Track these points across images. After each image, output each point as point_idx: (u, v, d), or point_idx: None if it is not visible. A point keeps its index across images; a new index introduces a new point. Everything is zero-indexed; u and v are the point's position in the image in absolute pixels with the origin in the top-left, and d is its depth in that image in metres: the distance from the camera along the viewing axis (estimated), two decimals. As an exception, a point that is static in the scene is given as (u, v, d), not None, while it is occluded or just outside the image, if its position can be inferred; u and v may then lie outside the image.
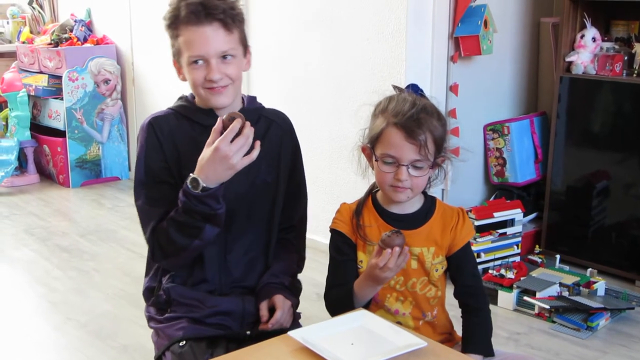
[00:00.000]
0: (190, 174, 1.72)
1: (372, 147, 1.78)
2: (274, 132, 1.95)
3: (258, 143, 1.72)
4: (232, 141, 1.67)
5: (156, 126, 1.87)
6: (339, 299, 1.79)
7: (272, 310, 1.86)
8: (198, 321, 1.86)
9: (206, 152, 1.70)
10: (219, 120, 1.71)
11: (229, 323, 1.87)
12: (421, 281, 1.81)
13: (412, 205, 1.83)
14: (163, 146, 1.86)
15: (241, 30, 1.87)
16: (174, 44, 1.85)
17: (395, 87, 1.84)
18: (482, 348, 1.80)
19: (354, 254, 1.83)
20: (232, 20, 1.82)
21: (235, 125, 1.68)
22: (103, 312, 3.24)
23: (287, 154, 1.97)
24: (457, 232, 1.82)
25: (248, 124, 1.70)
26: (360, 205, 1.85)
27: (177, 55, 1.86)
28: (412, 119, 1.71)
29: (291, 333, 1.54)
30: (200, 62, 1.80)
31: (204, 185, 1.70)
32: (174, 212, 1.77)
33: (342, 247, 1.84)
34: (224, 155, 1.67)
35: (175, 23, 1.82)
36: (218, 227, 1.78)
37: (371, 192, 1.87)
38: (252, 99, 1.99)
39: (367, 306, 1.79)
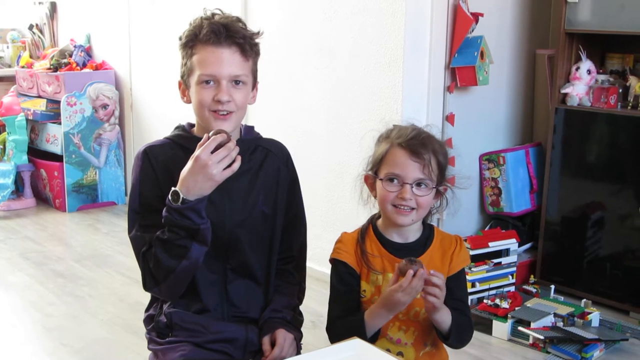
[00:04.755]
0: (172, 188, 1.71)
1: (375, 171, 1.81)
2: (271, 162, 1.94)
3: (239, 157, 1.71)
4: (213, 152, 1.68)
5: (151, 155, 1.86)
6: (349, 330, 1.74)
7: (274, 345, 1.85)
8: (200, 346, 1.85)
9: (188, 163, 1.71)
10: (204, 136, 1.72)
11: (230, 351, 1.87)
12: (424, 309, 1.80)
13: (413, 234, 1.84)
14: (158, 175, 1.84)
15: (255, 62, 1.88)
16: (186, 63, 1.84)
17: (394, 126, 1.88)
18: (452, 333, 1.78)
19: (357, 284, 1.83)
20: (250, 48, 1.83)
21: (218, 137, 1.69)
22: (98, 338, 3.22)
23: (284, 184, 1.96)
24: (454, 258, 1.84)
25: (234, 141, 1.71)
26: (362, 232, 1.86)
27: (186, 74, 1.85)
28: (416, 139, 1.77)
29: (285, 362, 1.55)
30: (211, 82, 1.80)
31: (184, 197, 1.69)
32: (159, 232, 1.75)
33: (345, 278, 1.83)
34: (204, 164, 1.67)
35: (193, 41, 1.81)
36: (204, 245, 1.75)
37: (372, 221, 1.89)
38: (250, 129, 1.98)
39: (372, 336, 1.77)
